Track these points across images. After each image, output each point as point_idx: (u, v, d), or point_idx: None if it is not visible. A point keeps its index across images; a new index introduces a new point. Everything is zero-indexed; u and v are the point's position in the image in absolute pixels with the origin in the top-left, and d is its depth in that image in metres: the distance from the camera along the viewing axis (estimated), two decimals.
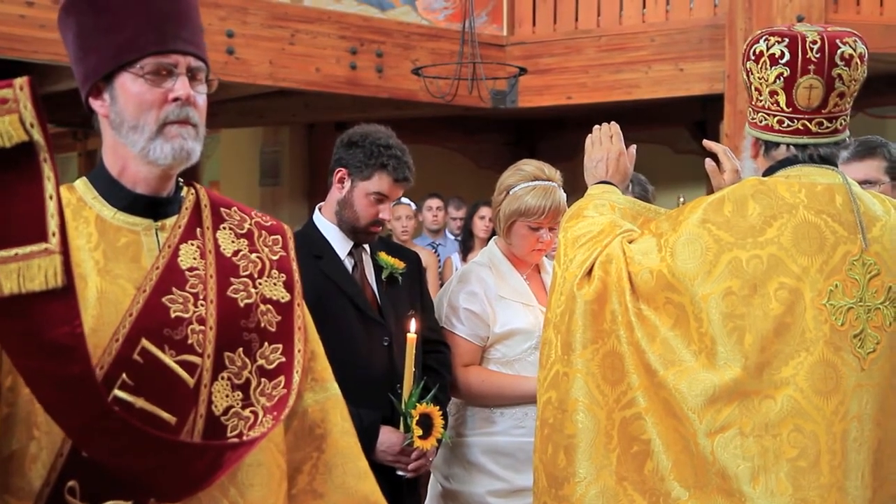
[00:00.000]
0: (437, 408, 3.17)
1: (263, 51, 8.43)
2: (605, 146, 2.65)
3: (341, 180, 3.22)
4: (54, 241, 1.53)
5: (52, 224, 1.53)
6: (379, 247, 3.34)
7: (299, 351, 1.95)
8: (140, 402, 1.74)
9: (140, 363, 1.76)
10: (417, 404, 3.13)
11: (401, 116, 9.39)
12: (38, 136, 1.51)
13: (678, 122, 10.97)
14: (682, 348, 2.18)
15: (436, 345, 3.34)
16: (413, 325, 3.09)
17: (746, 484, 2.10)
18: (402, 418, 3.14)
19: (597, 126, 2.70)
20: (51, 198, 1.53)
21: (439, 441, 3.21)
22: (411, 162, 3.23)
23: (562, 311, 2.33)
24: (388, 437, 3.13)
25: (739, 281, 2.15)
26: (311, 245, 3.22)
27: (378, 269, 3.29)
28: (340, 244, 3.24)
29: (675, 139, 11.32)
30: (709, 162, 2.71)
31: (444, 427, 3.21)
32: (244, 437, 1.82)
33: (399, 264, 3.31)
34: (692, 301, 2.17)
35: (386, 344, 3.20)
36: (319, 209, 3.32)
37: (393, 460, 3.14)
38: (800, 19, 7.82)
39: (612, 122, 2.70)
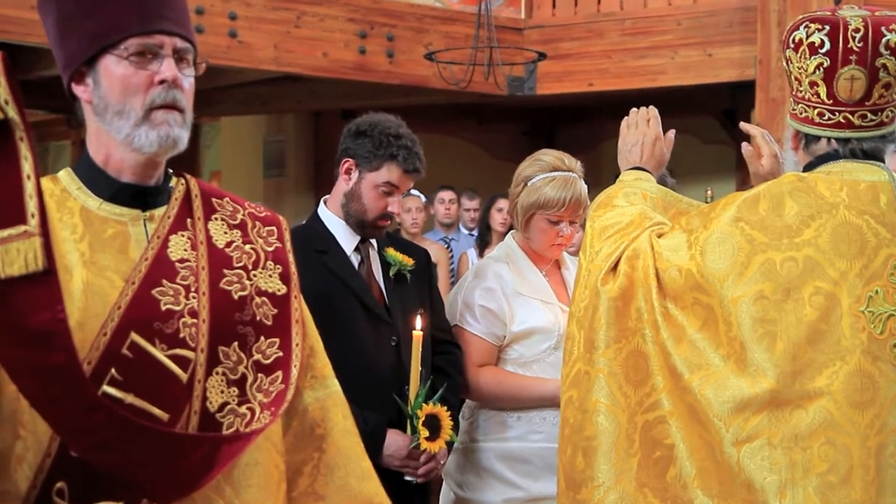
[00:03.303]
0: (445, 408, 3.16)
1: (268, 34, 8.42)
2: (640, 129, 2.63)
3: (348, 171, 3.21)
4: (33, 223, 1.53)
5: (31, 205, 1.53)
6: (386, 242, 3.33)
7: (297, 345, 1.96)
8: (130, 399, 1.75)
9: (129, 358, 1.77)
10: (423, 404, 3.13)
11: (412, 104, 9.38)
12: (13, 113, 1.51)
13: (706, 110, 10.92)
14: (710, 352, 2.18)
15: (446, 345, 3.34)
16: (419, 321, 3.09)
17: (773, 497, 2.09)
18: (408, 420, 3.14)
19: (634, 109, 2.68)
20: (28, 178, 1.53)
21: (449, 444, 3.21)
22: (422, 152, 3.23)
23: (585, 306, 2.33)
24: (394, 441, 3.13)
25: (772, 284, 2.14)
26: (316, 239, 3.22)
27: (385, 265, 3.28)
28: (346, 239, 3.24)
29: (703, 129, 11.27)
30: (745, 146, 2.69)
31: (455, 430, 3.20)
32: (240, 433, 1.83)
33: (408, 261, 3.30)
34: (721, 303, 2.16)
35: (394, 344, 3.19)
36: (324, 202, 3.32)
37: (400, 465, 3.14)
38: (837, 1, 7.76)
39: (651, 106, 2.68)
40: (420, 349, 3.08)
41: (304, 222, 3.44)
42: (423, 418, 3.12)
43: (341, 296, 3.15)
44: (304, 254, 3.05)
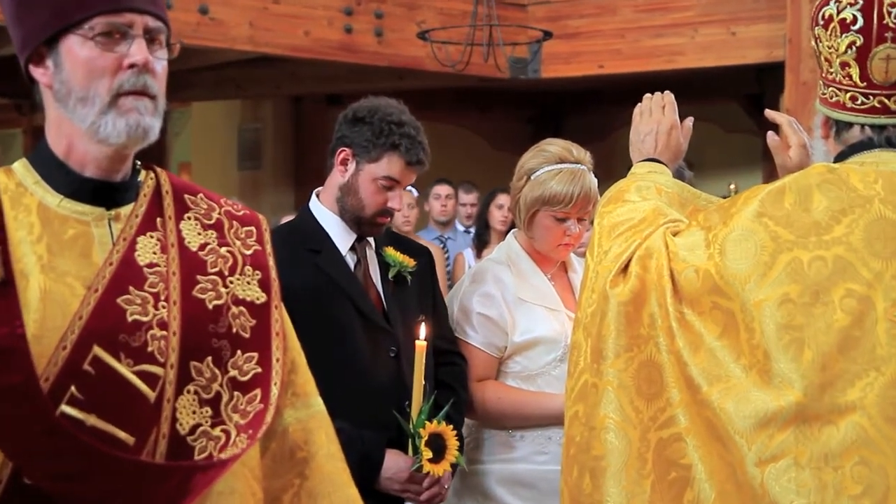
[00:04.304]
0: (451, 427, 3.17)
1: (242, 10, 8.44)
2: (655, 117, 2.65)
3: (344, 162, 3.22)
4: None
5: None
6: (385, 241, 3.34)
7: (277, 360, 1.96)
8: (92, 420, 1.75)
9: (92, 374, 1.77)
10: (427, 422, 3.13)
11: (403, 88, 9.38)
12: None
13: (729, 95, 10.96)
14: (731, 362, 2.18)
15: (450, 356, 3.35)
16: (423, 330, 3.10)
17: None
18: (410, 440, 3.15)
19: (647, 95, 2.70)
20: None
21: (454, 466, 3.22)
22: (426, 142, 3.23)
23: (592, 312, 2.34)
24: (394, 462, 3.13)
25: (799, 286, 2.14)
26: (307, 237, 3.23)
27: (384, 266, 3.29)
28: (341, 237, 3.24)
29: (726, 116, 11.31)
30: (771, 136, 2.70)
31: (461, 450, 3.21)
32: (214, 460, 1.83)
33: (409, 262, 3.31)
34: (743, 308, 2.16)
35: (393, 354, 3.20)
36: (317, 195, 3.32)
37: (401, 489, 3.15)
38: None
39: (667, 91, 2.70)
40: (423, 361, 3.08)
41: (293, 218, 3.44)
42: (427, 438, 3.13)
43: (335, 300, 3.15)
44: (294, 253, 3.08)
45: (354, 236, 3.25)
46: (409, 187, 7.84)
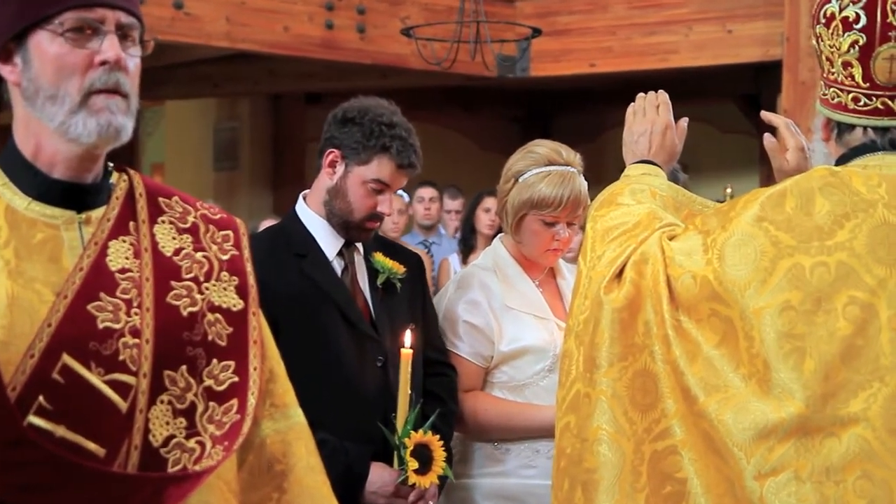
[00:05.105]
0: (438, 438, 3.18)
1: (219, 5, 8.43)
2: (649, 117, 2.66)
3: (332, 164, 3.22)
4: None
5: None
6: (373, 246, 3.34)
7: (255, 369, 1.96)
8: (61, 431, 1.75)
9: (61, 383, 1.76)
10: (412, 433, 3.14)
11: (387, 87, 9.40)
12: None
13: (725, 95, 11.00)
14: (729, 371, 2.19)
15: (440, 367, 3.36)
16: (408, 338, 3.10)
17: None
18: (395, 451, 3.15)
19: (641, 94, 2.71)
20: None
21: (442, 479, 3.22)
22: (418, 144, 3.24)
23: (585, 319, 2.34)
24: (379, 476, 3.14)
25: (801, 293, 2.15)
26: (293, 241, 3.23)
27: (372, 273, 3.30)
28: (328, 241, 3.25)
29: (722, 116, 11.36)
30: (768, 138, 2.71)
31: (448, 462, 3.21)
32: (188, 472, 1.83)
33: (398, 268, 3.31)
34: (742, 315, 2.17)
35: (380, 364, 3.21)
36: (304, 198, 3.33)
37: (386, 503, 3.15)
38: None
39: (661, 90, 2.70)
40: (409, 369, 3.09)
41: (279, 221, 3.44)
42: (412, 448, 3.13)
43: (320, 307, 3.16)
44: (279, 258, 3.09)
45: (342, 241, 3.25)
46: (399, 192, 7.88)
